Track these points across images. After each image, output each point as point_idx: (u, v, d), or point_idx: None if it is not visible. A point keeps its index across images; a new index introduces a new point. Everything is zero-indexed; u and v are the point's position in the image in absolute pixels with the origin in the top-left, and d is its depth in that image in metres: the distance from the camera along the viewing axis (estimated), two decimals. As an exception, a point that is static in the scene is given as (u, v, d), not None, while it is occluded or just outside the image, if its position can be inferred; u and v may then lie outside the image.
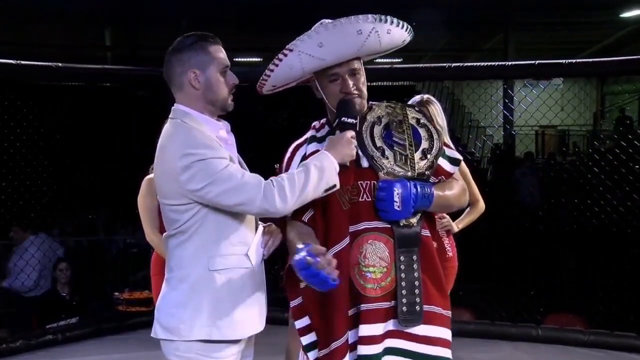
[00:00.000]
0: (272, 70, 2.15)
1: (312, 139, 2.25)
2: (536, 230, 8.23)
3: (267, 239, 2.20)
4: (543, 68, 5.53)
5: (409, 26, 2.15)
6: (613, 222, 6.60)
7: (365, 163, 2.15)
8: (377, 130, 2.17)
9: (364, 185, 2.14)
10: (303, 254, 1.91)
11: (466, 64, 5.68)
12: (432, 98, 3.35)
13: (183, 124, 2.11)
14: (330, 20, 2.07)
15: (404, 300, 2.09)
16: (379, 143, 2.15)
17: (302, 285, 2.11)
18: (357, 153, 2.13)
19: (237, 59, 16.30)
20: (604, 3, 12.94)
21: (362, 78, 2.18)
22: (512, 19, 14.49)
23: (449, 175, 2.24)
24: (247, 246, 2.14)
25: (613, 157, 6.49)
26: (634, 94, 15.53)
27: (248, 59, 16.54)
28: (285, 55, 2.10)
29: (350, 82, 2.15)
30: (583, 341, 5.17)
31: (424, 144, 2.18)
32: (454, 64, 5.45)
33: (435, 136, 2.20)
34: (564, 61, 5.33)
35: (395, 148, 2.15)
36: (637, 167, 6.36)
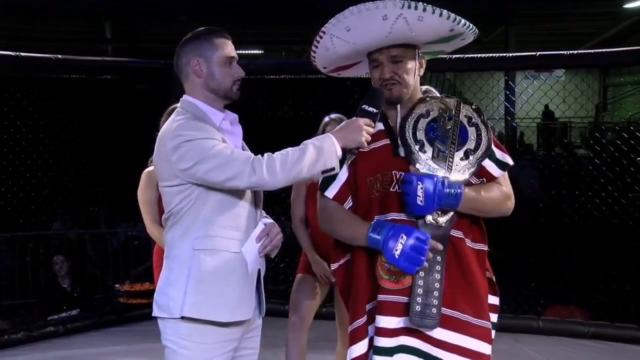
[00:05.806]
0: (314, 52, 2.17)
1: None
2: (537, 222, 8.20)
3: (264, 239, 2.19)
4: (544, 59, 5.50)
5: (454, 15, 2.02)
6: (614, 213, 6.58)
7: (402, 153, 2.11)
8: (422, 123, 2.12)
9: (398, 176, 2.09)
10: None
11: (467, 56, 5.62)
12: (431, 89, 3.32)
13: (185, 112, 2.16)
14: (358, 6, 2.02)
15: (419, 300, 2.03)
16: (419, 136, 2.10)
17: (343, 260, 2.20)
18: (397, 142, 2.11)
19: (237, 52, 16.20)
20: (607, -6, 12.86)
21: (407, 66, 2.13)
22: (512, 11, 14.42)
23: (492, 178, 2.15)
24: (239, 231, 2.15)
25: (614, 148, 6.47)
26: (636, 86, 15.46)
27: (248, 51, 16.48)
28: (321, 37, 2.10)
29: (388, 69, 2.11)
30: (584, 333, 5.18)
31: (469, 144, 2.10)
32: (455, 56, 5.41)
33: (484, 137, 2.11)
34: (565, 52, 5.30)
35: (435, 144, 2.09)
36: (638, 159, 6.33)
